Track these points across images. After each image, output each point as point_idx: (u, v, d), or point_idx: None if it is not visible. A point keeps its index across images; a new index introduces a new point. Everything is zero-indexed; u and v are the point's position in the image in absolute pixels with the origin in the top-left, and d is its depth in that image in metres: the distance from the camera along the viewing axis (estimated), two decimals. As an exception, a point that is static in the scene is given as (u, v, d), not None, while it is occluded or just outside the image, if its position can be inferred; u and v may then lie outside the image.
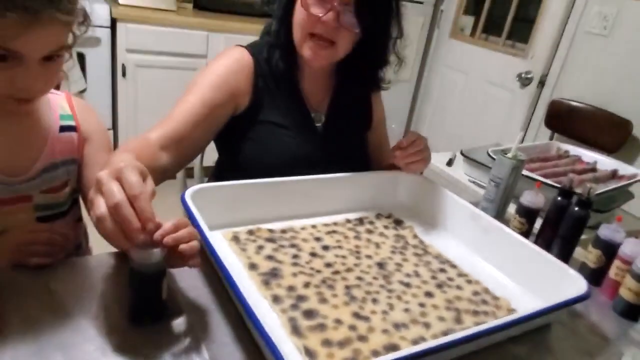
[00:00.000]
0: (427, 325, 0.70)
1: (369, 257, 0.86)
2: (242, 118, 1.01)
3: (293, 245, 0.85)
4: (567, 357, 0.72)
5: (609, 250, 0.90)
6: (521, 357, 0.70)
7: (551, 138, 2.39)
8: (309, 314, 0.68)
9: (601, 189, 1.22)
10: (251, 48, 1.03)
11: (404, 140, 1.01)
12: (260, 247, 0.82)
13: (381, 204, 1.05)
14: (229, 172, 1.04)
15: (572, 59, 2.38)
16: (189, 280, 0.72)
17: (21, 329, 0.59)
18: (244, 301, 0.57)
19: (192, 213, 0.73)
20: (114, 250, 0.73)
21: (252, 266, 0.77)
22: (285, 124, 1.03)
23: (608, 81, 2.23)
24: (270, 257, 0.80)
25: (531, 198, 1.02)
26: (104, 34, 2.32)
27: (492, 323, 0.64)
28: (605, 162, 1.51)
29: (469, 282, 0.84)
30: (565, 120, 2.34)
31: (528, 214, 1.02)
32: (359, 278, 0.79)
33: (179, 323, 0.64)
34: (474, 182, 1.48)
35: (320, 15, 0.92)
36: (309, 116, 1.08)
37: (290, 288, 0.73)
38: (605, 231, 0.91)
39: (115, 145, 2.35)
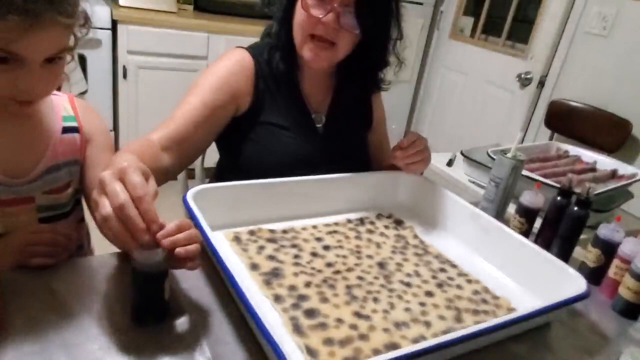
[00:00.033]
0: (427, 324, 0.71)
1: (369, 257, 0.86)
2: (243, 119, 1.01)
3: (294, 246, 0.85)
4: (566, 356, 0.73)
5: (608, 249, 0.90)
6: (521, 356, 0.70)
7: (551, 138, 2.40)
8: (310, 313, 0.69)
9: (600, 188, 1.22)
10: (252, 49, 1.04)
11: (404, 140, 1.01)
12: (262, 248, 0.83)
13: (382, 204, 1.05)
14: (230, 173, 1.04)
15: (572, 59, 2.38)
16: (191, 281, 0.72)
17: (24, 328, 0.59)
18: (246, 301, 0.57)
19: (194, 214, 0.74)
20: (116, 250, 0.73)
21: (254, 266, 0.77)
22: (286, 125, 1.04)
23: (607, 81, 2.24)
24: (271, 257, 0.80)
25: (531, 198, 1.02)
26: (105, 36, 2.33)
27: (492, 322, 0.64)
28: (604, 162, 1.51)
29: (469, 281, 0.84)
30: (565, 120, 2.34)
31: (528, 213, 1.03)
32: (360, 278, 0.79)
33: (181, 323, 0.65)
34: (474, 182, 1.48)
35: (321, 16, 0.93)
36: (310, 117, 1.08)
37: (292, 288, 0.73)
38: (605, 231, 0.91)
39: (116, 147, 2.36)
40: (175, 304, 0.67)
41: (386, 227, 0.98)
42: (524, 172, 1.19)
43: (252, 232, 0.86)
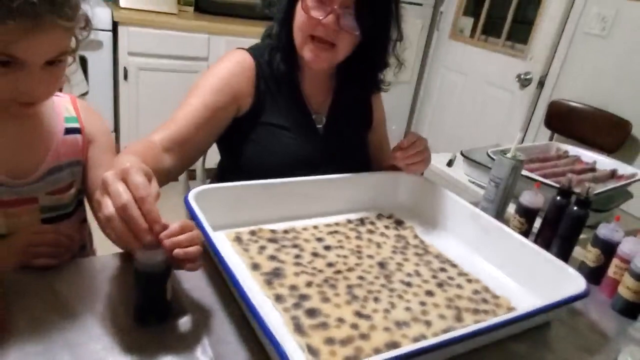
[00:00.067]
0: (428, 324, 0.71)
1: (370, 257, 0.87)
2: (244, 120, 1.02)
3: (295, 246, 0.86)
4: (566, 355, 0.73)
5: (608, 249, 0.91)
6: (521, 355, 0.71)
7: (551, 138, 2.40)
8: (312, 312, 0.69)
9: (600, 188, 1.22)
10: (252, 51, 1.05)
11: (404, 141, 1.02)
12: (263, 248, 0.83)
13: (382, 205, 1.06)
14: (231, 174, 1.04)
15: (571, 59, 2.39)
16: (193, 281, 0.73)
17: (27, 329, 0.59)
18: (248, 300, 0.58)
19: (196, 214, 0.74)
20: (119, 251, 0.74)
21: (255, 266, 0.78)
22: (287, 126, 1.04)
23: (607, 82, 2.24)
24: (272, 257, 0.81)
25: (530, 198, 1.02)
26: (106, 37, 2.33)
27: (492, 321, 0.64)
28: (604, 162, 1.51)
29: (469, 281, 0.84)
30: (565, 120, 2.35)
31: (527, 213, 1.03)
32: (361, 277, 0.80)
33: (183, 322, 0.65)
34: (474, 183, 1.48)
35: (321, 18, 0.93)
36: (310, 117, 1.09)
37: (293, 287, 0.74)
38: (604, 230, 0.92)
39: (117, 148, 2.36)
40: (178, 304, 0.67)
41: (386, 227, 0.99)
42: (524, 172, 1.19)
43: (253, 233, 0.87)
